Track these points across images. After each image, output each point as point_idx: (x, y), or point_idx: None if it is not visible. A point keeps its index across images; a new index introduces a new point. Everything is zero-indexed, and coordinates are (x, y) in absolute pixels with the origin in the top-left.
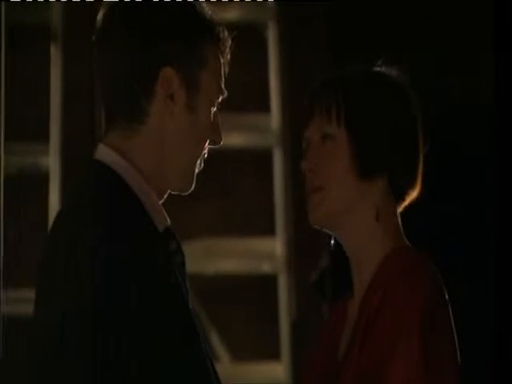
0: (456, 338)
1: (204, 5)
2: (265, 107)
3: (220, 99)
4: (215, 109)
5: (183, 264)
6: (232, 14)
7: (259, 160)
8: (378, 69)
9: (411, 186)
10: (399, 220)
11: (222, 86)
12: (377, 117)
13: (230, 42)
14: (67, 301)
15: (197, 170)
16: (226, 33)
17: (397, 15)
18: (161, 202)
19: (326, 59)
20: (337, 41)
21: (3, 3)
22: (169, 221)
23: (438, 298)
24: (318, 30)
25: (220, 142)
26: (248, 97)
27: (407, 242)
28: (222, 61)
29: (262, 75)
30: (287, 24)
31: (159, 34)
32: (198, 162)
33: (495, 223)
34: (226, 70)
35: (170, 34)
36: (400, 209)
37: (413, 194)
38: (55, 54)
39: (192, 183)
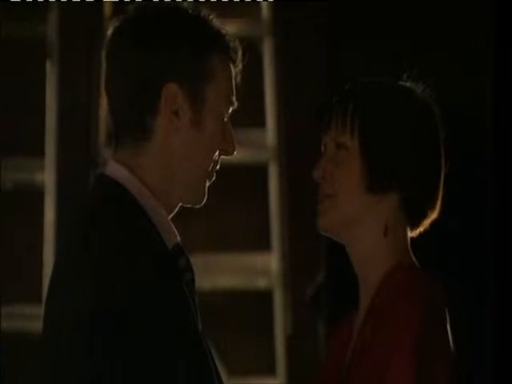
0: (453, 357)
1: (211, 16)
2: (260, 122)
3: (230, 110)
4: (226, 119)
5: (193, 281)
6: (227, 29)
7: (254, 175)
8: (402, 83)
9: (429, 206)
10: (408, 236)
11: (232, 97)
12: (394, 132)
13: (241, 51)
14: (76, 319)
15: (208, 183)
16: (237, 42)
17: (395, 29)
18: (170, 217)
19: (322, 74)
20: (333, 55)
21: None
22: (178, 237)
23: (436, 318)
24: (314, 44)
25: (233, 153)
26: (243, 112)
27: (413, 259)
28: (233, 71)
29: (258, 90)
30: (283, 39)
31: (162, 49)
32: (209, 172)
33: (495, 232)
34: (239, 80)
35: (172, 48)
36: (419, 230)
37: (432, 215)
38: (51, 70)
39: (204, 196)
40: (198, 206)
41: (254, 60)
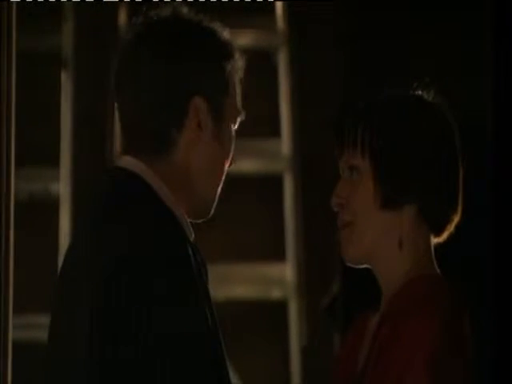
0: (471, 370)
1: (221, 27)
2: (275, 132)
3: (238, 121)
4: (233, 131)
5: (207, 276)
6: (243, 40)
7: (269, 185)
8: (414, 93)
9: (451, 210)
10: (430, 246)
11: (240, 107)
12: (406, 147)
13: (242, 60)
14: (97, 311)
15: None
16: (238, 51)
17: (411, 39)
18: None
19: (337, 84)
20: (348, 66)
21: (14, 11)
22: (193, 235)
23: (454, 331)
24: (329, 54)
25: (234, 163)
26: (258, 122)
27: (436, 269)
28: (238, 80)
29: (273, 100)
30: (298, 49)
31: (188, 62)
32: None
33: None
34: (239, 90)
35: (198, 61)
36: (443, 236)
37: (455, 219)
38: (66, 80)
39: (211, 210)
40: (200, 221)
41: (270, 70)
